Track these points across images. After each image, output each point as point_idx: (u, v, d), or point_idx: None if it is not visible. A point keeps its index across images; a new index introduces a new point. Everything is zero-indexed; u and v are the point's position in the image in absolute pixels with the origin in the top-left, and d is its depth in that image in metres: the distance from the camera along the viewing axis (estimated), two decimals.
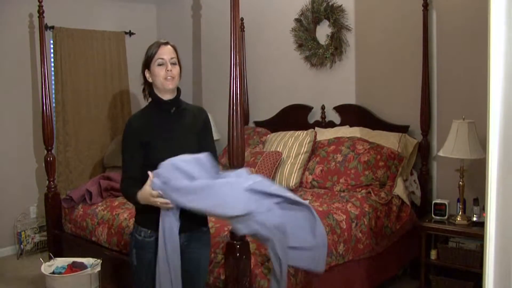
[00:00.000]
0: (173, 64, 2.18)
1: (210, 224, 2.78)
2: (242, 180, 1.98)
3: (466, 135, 3.16)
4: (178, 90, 2.25)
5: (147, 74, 2.21)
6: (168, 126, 2.19)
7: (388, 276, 3.48)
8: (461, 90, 3.59)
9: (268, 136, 4.37)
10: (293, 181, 3.75)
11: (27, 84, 4.74)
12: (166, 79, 2.15)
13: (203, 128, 2.27)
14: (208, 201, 1.93)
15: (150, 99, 2.26)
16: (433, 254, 3.35)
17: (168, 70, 2.15)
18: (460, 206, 3.31)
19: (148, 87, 2.25)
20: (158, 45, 2.19)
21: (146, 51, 2.21)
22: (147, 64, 2.20)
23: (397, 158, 3.62)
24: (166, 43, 2.20)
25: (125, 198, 2.25)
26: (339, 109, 4.27)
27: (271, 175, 3.80)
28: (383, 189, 3.52)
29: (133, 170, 2.15)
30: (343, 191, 3.55)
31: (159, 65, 2.16)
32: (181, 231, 2.07)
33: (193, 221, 2.14)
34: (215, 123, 4.97)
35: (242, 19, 4.74)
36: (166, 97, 2.20)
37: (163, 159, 1.99)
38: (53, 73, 4.86)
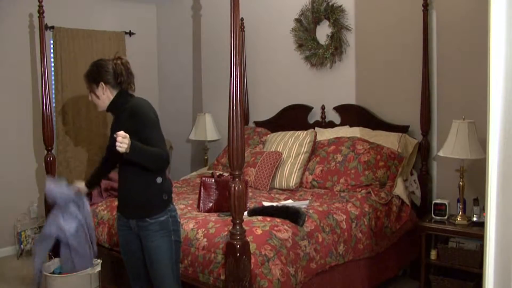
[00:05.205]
0: (90, 93, 2.52)
1: (210, 224, 2.79)
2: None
3: (466, 135, 3.16)
4: (118, 94, 2.46)
5: None
6: (113, 130, 2.38)
7: (388, 276, 3.48)
8: (461, 90, 3.59)
9: (268, 136, 4.37)
10: (293, 181, 3.75)
11: (27, 84, 4.73)
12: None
13: (133, 122, 2.32)
14: None
15: None
16: (433, 254, 3.35)
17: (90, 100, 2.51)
18: (460, 206, 3.31)
19: None
20: None
21: None
22: None
23: (397, 158, 3.62)
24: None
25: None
26: (339, 109, 4.26)
27: (271, 175, 3.80)
28: (383, 189, 3.52)
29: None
30: (343, 191, 3.55)
31: None
32: (129, 217, 2.46)
33: (136, 211, 2.42)
34: (215, 123, 4.98)
35: (242, 19, 4.74)
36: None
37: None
38: (53, 73, 4.86)
